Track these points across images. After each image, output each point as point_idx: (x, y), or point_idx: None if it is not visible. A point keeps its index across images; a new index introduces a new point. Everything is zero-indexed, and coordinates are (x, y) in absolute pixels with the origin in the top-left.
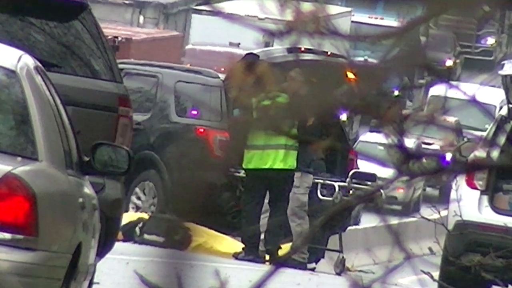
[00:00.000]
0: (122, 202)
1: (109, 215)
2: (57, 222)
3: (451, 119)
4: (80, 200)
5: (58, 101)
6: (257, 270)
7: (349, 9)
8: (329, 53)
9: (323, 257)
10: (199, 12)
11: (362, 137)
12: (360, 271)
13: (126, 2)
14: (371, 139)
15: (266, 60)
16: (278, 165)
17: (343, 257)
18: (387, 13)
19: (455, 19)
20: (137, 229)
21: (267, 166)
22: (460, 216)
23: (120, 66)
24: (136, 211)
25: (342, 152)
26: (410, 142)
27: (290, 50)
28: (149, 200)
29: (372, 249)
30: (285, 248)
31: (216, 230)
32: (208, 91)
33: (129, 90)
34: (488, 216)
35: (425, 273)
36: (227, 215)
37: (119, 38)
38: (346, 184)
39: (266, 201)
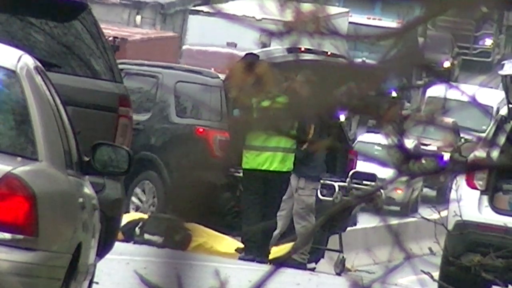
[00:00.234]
0: (122, 202)
1: (109, 215)
2: (57, 222)
3: (448, 120)
4: (80, 200)
5: (58, 101)
6: (257, 270)
7: (346, 9)
8: (329, 53)
9: (323, 257)
10: (196, 12)
11: (360, 138)
12: (360, 271)
13: (123, 2)
14: (369, 139)
15: (266, 60)
16: (276, 167)
17: (343, 257)
18: (385, 14)
19: (453, 20)
20: (137, 229)
21: (264, 168)
22: (460, 216)
23: (120, 66)
24: (136, 211)
25: (342, 152)
26: (409, 143)
27: (290, 50)
28: (149, 200)
29: (372, 249)
30: (284, 248)
31: (216, 230)
32: (208, 91)
33: (129, 90)
34: (488, 216)
35: (425, 273)
36: (227, 215)
37: (118, 39)
38: (346, 184)
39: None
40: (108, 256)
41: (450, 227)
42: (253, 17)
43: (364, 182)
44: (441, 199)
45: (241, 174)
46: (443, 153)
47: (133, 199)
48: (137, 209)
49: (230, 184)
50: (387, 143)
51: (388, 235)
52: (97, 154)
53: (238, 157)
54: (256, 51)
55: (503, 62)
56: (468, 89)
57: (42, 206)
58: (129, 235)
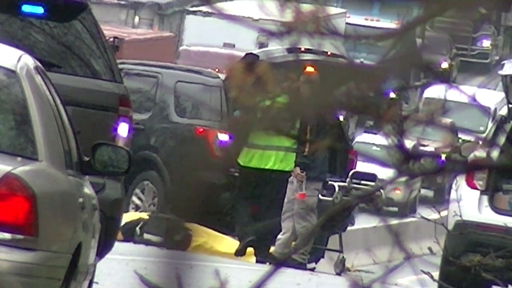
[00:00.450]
0: (122, 202)
1: (109, 215)
2: (57, 222)
3: (446, 120)
4: (80, 200)
5: (58, 101)
6: (257, 270)
7: (343, 10)
8: (329, 53)
9: (323, 257)
10: (193, 13)
11: (357, 138)
12: (360, 271)
13: (121, 2)
14: (367, 140)
15: (266, 60)
16: (278, 166)
17: (343, 257)
18: (383, 15)
19: (451, 21)
20: (137, 229)
21: (267, 167)
22: (460, 216)
23: (120, 66)
24: (136, 211)
25: (342, 152)
26: (407, 144)
27: (290, 50)
28: (149, 200)
29: (372, 249)
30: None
31: (216, 230)
32: (208, 91)
33: (129, 90)
34: (488, 216)
35: (425, 273)
36: (227, 215)
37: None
38: (346, 184)
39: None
40: (108, 256)
41: (450, 227)
42: (251, 17)
43: (364, 182)
44: (439, 200)
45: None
46: (442, 153)
47: (133, 199)
48: (137, 209)
49: (230, 184)
50: (386, 143)
51: (388, 235)
52: (97, 154)
53: (238, 157)
54: (255, 51)
55: (503, 62)
56: (466, 90)
57: (42, 206)
58: (129, 235)
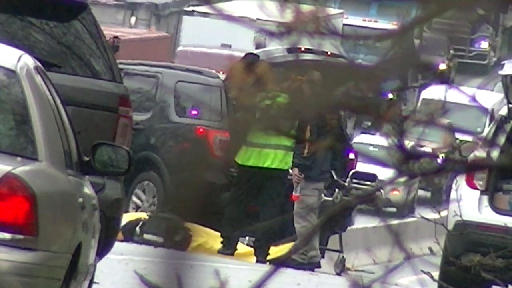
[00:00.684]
0: (122, 202)
1: (109, 215)
2: (57, 222)
3: (444, 121)
4: (80, 200)
5: (58, 101)
6: (257, 270)
7: (340, 11)
8: (329, 53)
9: (323, 257)
10: (190, 13)
11: (355, 139)
12: (360, 271)
13: (118, 3)
14: (364, 140)
15: (266, 60)
16: (277, 165)
17: (343, 257)
18: (380, 16)
19: (449, 23)
20: (137, 229)
21: (265, 165)
22: (460, 216)
23: (120, 66)
24: (136, 211)
25: (342, 152)
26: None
27: (290, 50)
28: (149, 200)
29: (372, 249)
30: (284, 248)
31: (216, 230)
32: (208, 91)
33: (129, 90)
34: (488, 216)
35: (425, 273)
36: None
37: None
38: (346, 184)
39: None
40: (108, 256)
41: (450, 227)
42: (248, 18)
43: (364, 182)
44: (437, 201)
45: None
46: (441, 153)
47: (133, 199)
48: (137, 209)
49: (230, 184)
50: (383, 144)
51: (388, 235)
52: (97, 154)
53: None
54: (255, 51)
55: (503, 62)
56: (463, 93)
57: (42, 206)
58: (129, 235)
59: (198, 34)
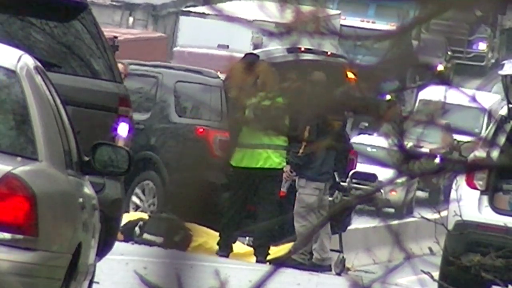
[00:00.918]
0: (122, 202)
1: (109, 215)
2: (57, 222)
3: (441, 122)
4: (80, 200)
5: (58, 101)
6: (257, 270)
7: (338, 11)
8: (329, 53)
9: None
10: (187, 14)
11: (352, 140)
12: (360, 271)
13: (115, 4)
14: (362, 141)
15: (266, 60)
16: (270, 164)
17: (343, 257)
18: (378, 17)
19: (447, 24)
20: (137, 229)
21: (258, 165)
22: (460, 216)
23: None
24: (136, 211)
25: (342, 152)
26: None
27: (290, 50)
28: (149, 200)
29: (372, 249)
30: (284, 248)
31: (216, 230)
32: (208, 91)
33: (129, 90)
34: (488, 216)
35: (425, 273)
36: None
37: (117, 38)
38: (346, 184)
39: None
40: (108, 256)
41: (450, 227)
42: (245, 19)
43: (364, 182)
44: (434, 201)
45: None
46: (441, 153)
47: (133, 199)
48: (137, 209)
49: (230, 184)
50: (381, 144)
51: (388, 235)
52: (97, 154)
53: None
54: (253, 52)
55: (503, 62)
56: (462, 93)
57: (42, 206)
58: (129, 235)
59: (195, 34)
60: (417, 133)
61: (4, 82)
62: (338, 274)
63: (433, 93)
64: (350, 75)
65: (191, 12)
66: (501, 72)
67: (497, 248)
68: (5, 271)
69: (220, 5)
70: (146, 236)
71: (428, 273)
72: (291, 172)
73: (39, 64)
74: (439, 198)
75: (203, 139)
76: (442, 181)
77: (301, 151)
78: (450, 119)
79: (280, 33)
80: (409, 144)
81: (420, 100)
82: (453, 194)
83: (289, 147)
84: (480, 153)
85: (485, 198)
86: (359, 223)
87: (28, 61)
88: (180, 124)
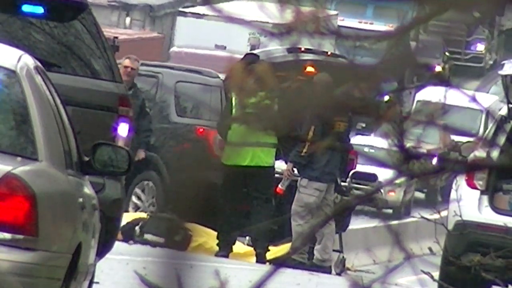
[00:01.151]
0: (122, 202)
1: (109, 215)
2: (57, 222)
3: (440, 122)
4: (80, 200)
5: (58, 101)
6: (257, 270)
7: (335, 12)
8: (329, 53)
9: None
10: (184, 14)
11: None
12: (360, 271)
13: (113, 4)
14: (360, 141)
15: (266, 60)
16: (257, 162)
17: (343, 257)
18: (376, 18)
19: (445, 25)
20: (137, 229)
21: (245, 164)
22: (460, 216)
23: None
24: (136, 211)
25: (342, 152)
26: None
27: (290, 50)
28: (149, 200)
29: (372, 249)
30: (284, 248)
31: (216, 230)
32: (208, 91)
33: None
34: (488, 216)
35: (425, 273)
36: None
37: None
38: (346, 184)
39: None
40: (108, 256)
41: (450, 227)
42: (243, 19)
43: (364, 182)
44: (432, 202)
45: None
46: (441, 153)
47: (133, 199)
48: (137, 209)
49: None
50: (379, 145)
51: (388, 235)
52: (97, 154)
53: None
54: (256, 51)
55: (503, 62)
56: (460, 94)
57: (42, 206)
58: (129, 235)
59: (192, 35)
60: (415, 134)
61: (4, 82)
62: (338, 274)
63: (430, 94)
64: (310, 69)
65: (188, 12)
66: (501, 72)
67: (497, 248)
68: (5, 271)
69: (220, 5)
70: (146, 236)
71: (428, 273)
72: (292, 171)
73: (39, 64)
74: (436, 198)
75: (203, 139)
76: (439, 182)
77: (304, 150)
78: (447, 120)
79: (280, 33)
80: (407, 144)
81: (417, 101)
82: (453, 194)
83: (281, 146)
84: (480, 153)
85: (485, 198)
86: (359, 223)
87: (28, 61)
88: (180, 124)
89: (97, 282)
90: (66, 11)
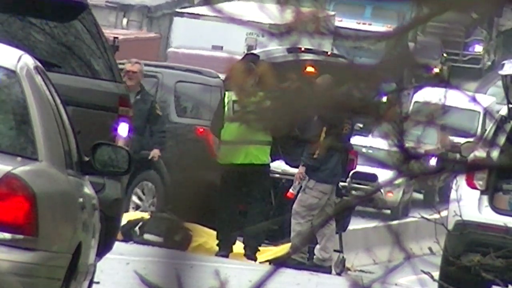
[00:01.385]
0: (122, 202)
1: (109, 215)
2: (57, 222)
3: (439, 123)
4: (80, 200)
5: (58, 101)
6: (257, 270)
7: (333, 13)
8: (329, 53)
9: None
10: (181, 15)
11: None
12: (360, 271)
13: (110, 5)
14: (357, 142)
15: (266, 60)
16: (250, 160)
17: (343, 257)
18: (375, 19)
19: (443, 27)
20: (137, 229)
21: (238, 162)
22: (460, 216)
23: (121, 66)
24: (136, 211)
25: (342, 152)
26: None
27: (290, 50)
28: (149, 200)
29: (372, 249)
30: (283, 248)
31: (215, 230)
32: (208, 91)
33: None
34: (488, 216)
35: (425, 273)
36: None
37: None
38: (346, 184)
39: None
40: (108, 256)
41: (450, 227)
42: (241, 19)
43: (365, 182)
44: (429, 202)
45: None
46: (441, 153)
47: (133, 199)
48: (137, 209)
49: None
50: (378, 145)
51: (388, 235)
52: (97, 154)
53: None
54: (256, 51)
55: (503, 62)
56: (458, 95)
57: (42, 206)
58: (129, 235)
59: (189, 35)
60: (415, 135)
61: (4, 82)
62: (338, 274)
63: (428, 94)
64: (310, 69)
65: (185, 13)
66: (501, 72)
67: (497, 248)
68: (5, 271)
69: (219, 6)
70: (146, 236)
71: (428, 273)
72: (304, 174)
73: (39, 64)
74: (434, 199)
75: (203, 139)
76: (438, 183)
77: (317, 152)
78: (445, 121)
79: (280, 33)
80: (407, 145)
81: (415, 102)
82: (453, 194)
83: (280, 146)
84: (480, 153)
85: (485, 198)
86: (359, 223)
87: (28, 61)
88: (180, 124)
89: (97, 282)
90: (66, 11)
